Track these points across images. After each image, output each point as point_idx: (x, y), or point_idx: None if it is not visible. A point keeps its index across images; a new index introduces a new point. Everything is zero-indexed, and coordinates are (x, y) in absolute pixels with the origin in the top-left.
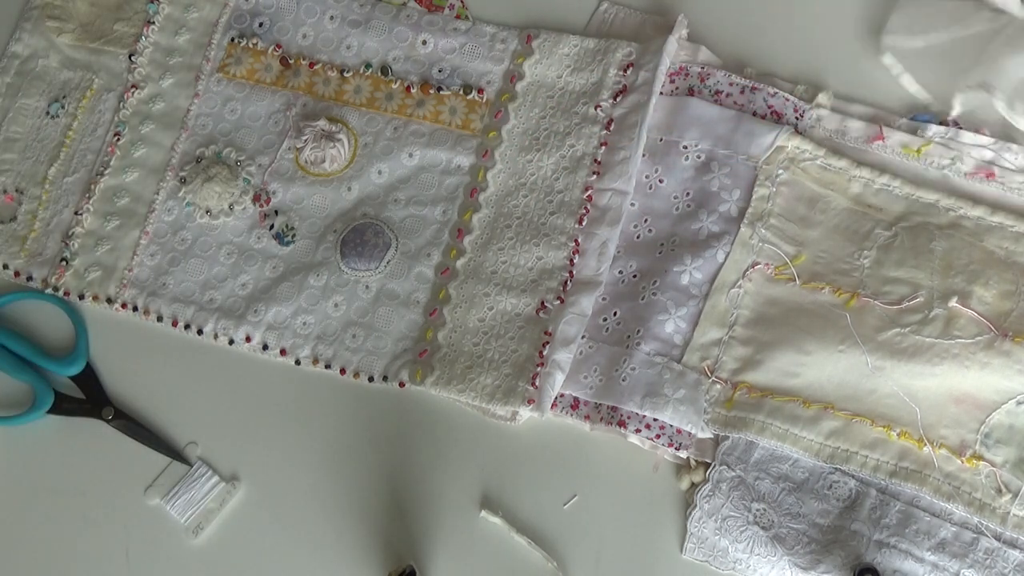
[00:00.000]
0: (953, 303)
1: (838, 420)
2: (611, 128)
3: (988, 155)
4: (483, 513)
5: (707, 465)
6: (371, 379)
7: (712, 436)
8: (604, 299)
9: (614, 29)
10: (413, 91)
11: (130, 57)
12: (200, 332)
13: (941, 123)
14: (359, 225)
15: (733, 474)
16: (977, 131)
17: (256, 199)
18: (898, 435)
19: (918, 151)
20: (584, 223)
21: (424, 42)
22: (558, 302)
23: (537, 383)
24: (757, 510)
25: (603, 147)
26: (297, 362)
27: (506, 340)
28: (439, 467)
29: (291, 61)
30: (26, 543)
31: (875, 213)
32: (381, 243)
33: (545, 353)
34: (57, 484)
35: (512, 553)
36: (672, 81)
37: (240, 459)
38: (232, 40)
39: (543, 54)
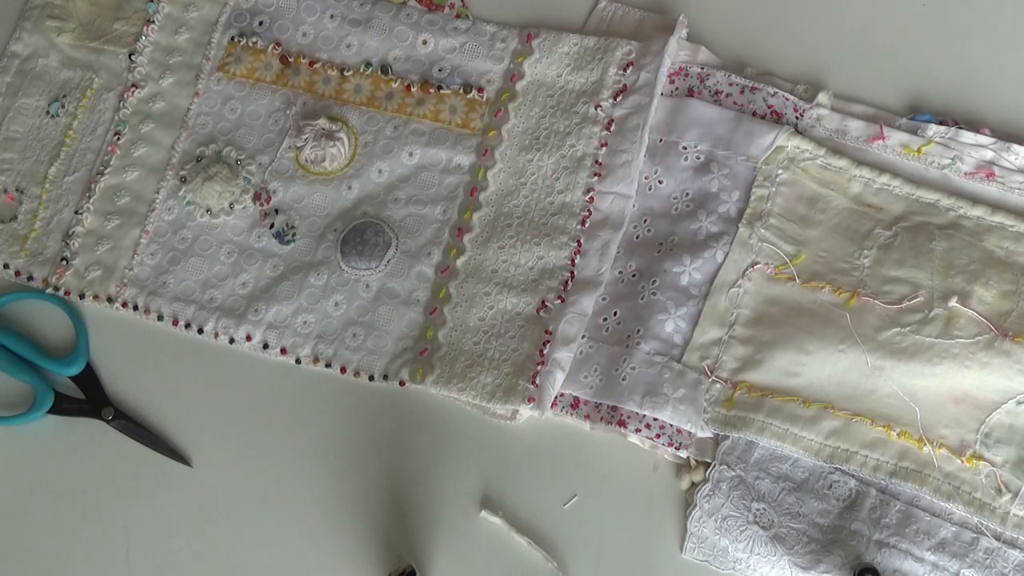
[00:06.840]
0: (953, 303)
1: (838, 420)
2: (611, 129)
3: (988, 155)
4: (483, 513)
5: (707, 465)
6: (371, 378)
7: (712, 436)
8: (604, 299)
9: (612, 27)
10: (413, 90)
11: (130, 56)
12: (200, 331)
13: (941, 123)
14: (359, 224)
15: (733, 474)
16: (977, 131)
17: (256, 198)
18: (898, 435)
19: (918, 151)
20: (587, 225)
21: (424, 41)
22: (559, 301)
23: (537, 381)
24: (757, 510)
25: (603, 148)
26: (297, 361)
27: (506, 339)
28: (439, 467)
29: (291, 60)
30: (26, 543)
31: (875, 213)
32: (381, 242)
33: (545, 352)
34: (57, 484)
35: (512, 553)
36: (672, 81)
37: (240, 459)
38: (232, 39)
39: (543, 53)
